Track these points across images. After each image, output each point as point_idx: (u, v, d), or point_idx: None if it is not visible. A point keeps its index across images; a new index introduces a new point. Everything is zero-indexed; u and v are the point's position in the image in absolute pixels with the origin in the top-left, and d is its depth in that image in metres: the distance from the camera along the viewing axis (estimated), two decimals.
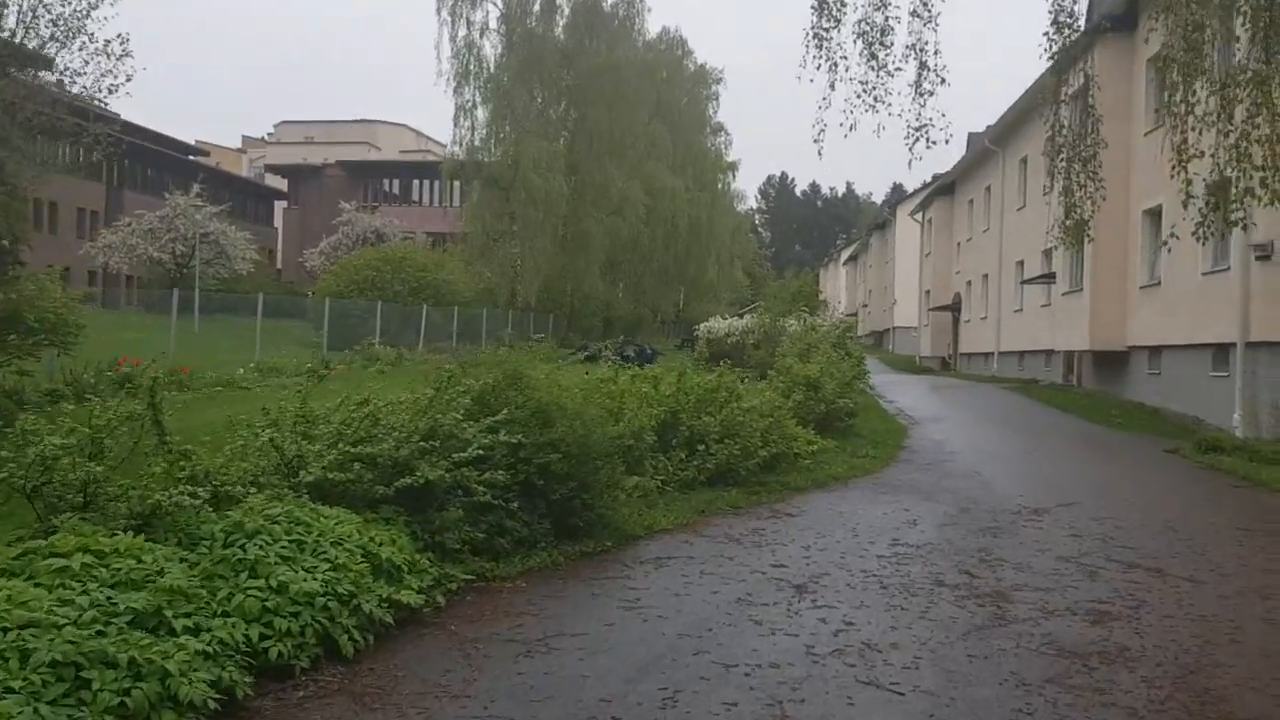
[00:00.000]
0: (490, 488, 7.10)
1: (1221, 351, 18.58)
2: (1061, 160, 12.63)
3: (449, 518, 6.84)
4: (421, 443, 7.03)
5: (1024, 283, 31.06)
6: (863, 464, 13.12)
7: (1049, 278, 28.42)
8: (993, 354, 35.25)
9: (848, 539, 9.00)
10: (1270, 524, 10.41)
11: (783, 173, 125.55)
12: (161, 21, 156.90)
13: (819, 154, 11.26)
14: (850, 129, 10.86)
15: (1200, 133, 10.89)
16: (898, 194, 67.91)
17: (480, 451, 7.09)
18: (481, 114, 39.56)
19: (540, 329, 42.16)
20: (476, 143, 39.79)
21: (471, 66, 39.56)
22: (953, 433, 17.66)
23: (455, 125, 39.37)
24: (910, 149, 11.19)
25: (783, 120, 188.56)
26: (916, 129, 11.15)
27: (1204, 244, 10.81)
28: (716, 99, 60.81)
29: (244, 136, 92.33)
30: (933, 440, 16.29)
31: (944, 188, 43.73)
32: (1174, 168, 10.83)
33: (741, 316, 33.69)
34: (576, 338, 42.44)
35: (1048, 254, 29.77)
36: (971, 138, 41.06)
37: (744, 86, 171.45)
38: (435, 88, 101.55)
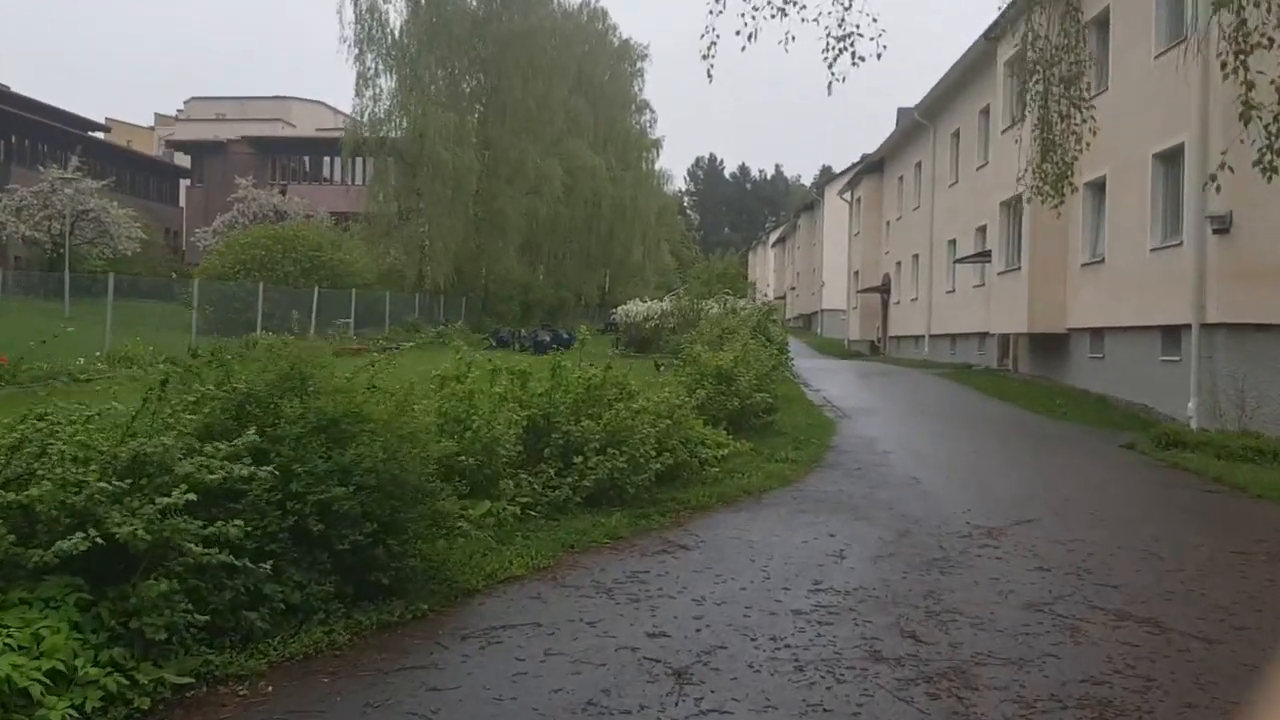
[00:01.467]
0: (221, 546, 4.76)
1: (1173, 334, 16.85)
2: (1037, 83, 10.33)
3: (149, 593, 4.49)
4: (113, 482, 4.66)
5: (957, 262, 29.35)
6: (782, 470, 10.98)
7: (984, 256, 26.69)
8: (924, 337, 33.63)
9: (756, 584, 6.83)
10: (1269, 544, 8.49)
11: (711, 154, 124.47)
12: None
13: (708, 74, 8.84)
14: (749, 39, 8.50)
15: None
16: (827, 176, 66.28)
17: (194, 496, 4.71)
18: (386, 83, 36.82)
19: (452, 313, 39.67)
20: (380, 114, 36.97)
21: (374, 31, 36.72)
22: (885, 428, 15.67)
23: (357, 95, 36.61)
24: (831, 65, 8.83)
25: (710, 102, 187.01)
26: (839, 39, 8.75)
27: (1270, 179, 8.16)
28: (641, 76, 58.54)
29: (156, 114, 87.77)
30: (863, 438, 14.25)
31: (873, 165, 42.14)
32: (1227, 65, 8.35)
33: (663, 299, 31.60)
34: (491, 322, 40.03)
35: (982, 231, 28.08)
36: (901, 113, 39.38)
37: (670, 67, 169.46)
38: (338, 56, 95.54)
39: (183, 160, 61.89)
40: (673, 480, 9.75)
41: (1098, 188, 20.29)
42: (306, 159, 59.14)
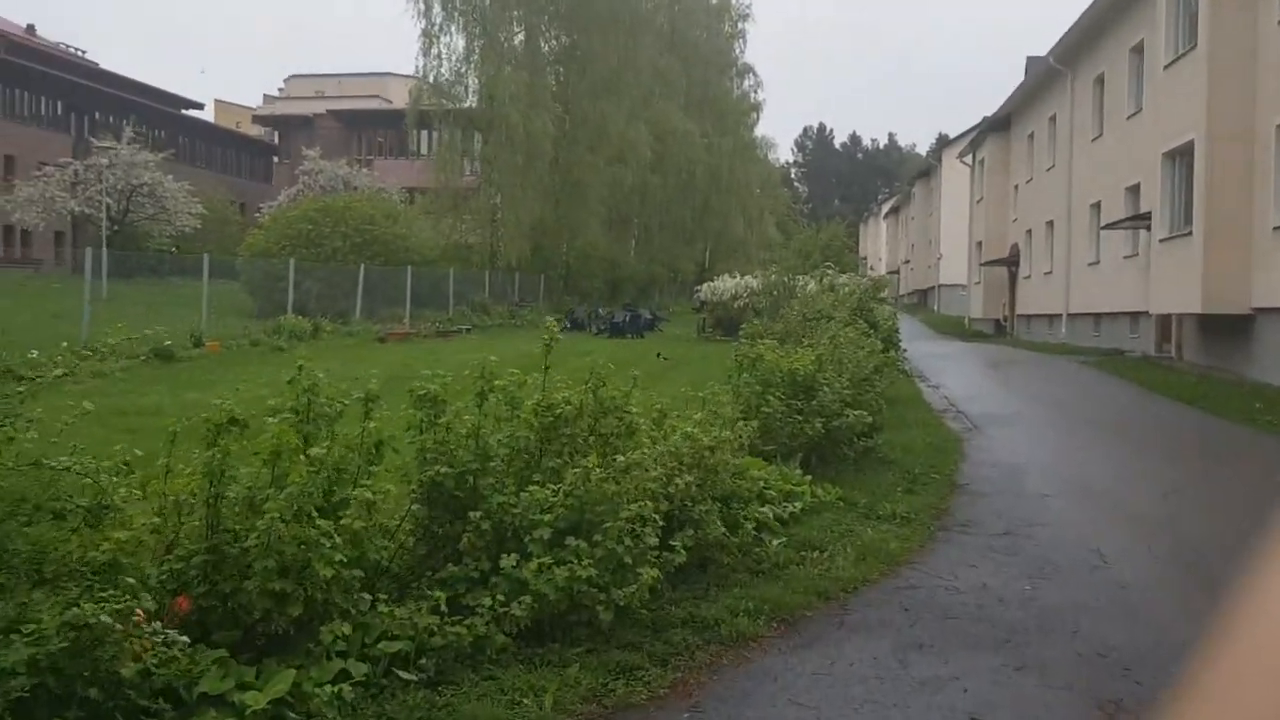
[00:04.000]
0: None
1: None
2: None
3: None
4: None
5: (1105, 228, 24.49)
6: (884, 541, 6.91)
7: (1140, 220, 21.85)
8: (1060, 317, 28.82)
9: None
10: None
11: (820, 124, 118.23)
12: None
13: None
14: None
15: None
16: (944, 142, 60.76)
17: None
18: (454, 41, 33.33)
19: (529, 292, 36.32)
20: (448, 75, 33.60)
21: None
22: (1032, 447, 11.44)
23: (423, 55, 33.25)
24: None
25: (820, 70, 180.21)
26: None
27: None
28: (743, 38, 54.27)
29: (265, 95, 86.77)
30: (1004, 466, 10.05)
31: (998, 123, 37.10)
32: None
33: (755, 275, 27.52)
34: (574, 301, 36.51)
35: (1134, 191, 23.22)
36: (1030, 63, 34.25)
37: (777, 34, 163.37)
38: (406, 15, 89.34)
39: (271, 138, 60.06)
40: (700, 571, 5.88)
41: None
42: (395, 134, 56.46)
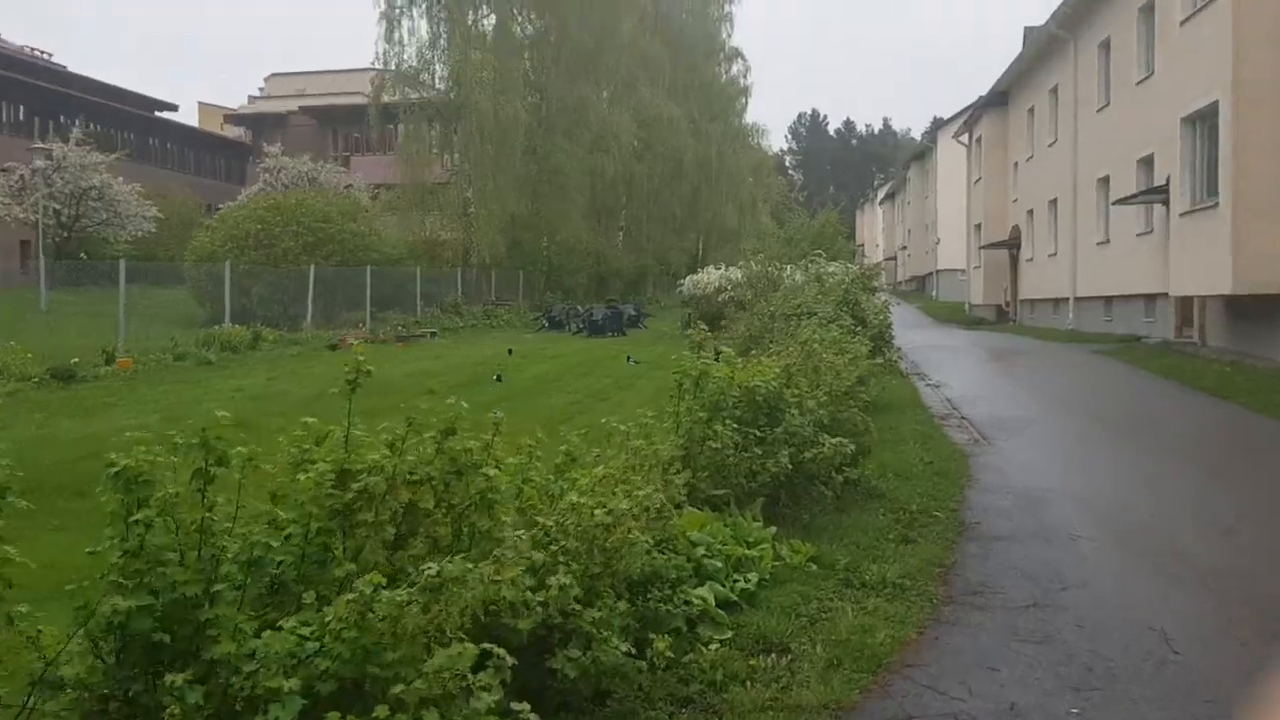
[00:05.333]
0: None
1: None
2: None
3: None
4: None
5: (1115, 204, 22.51)
6: (867, 634, 4.91)
7: (1157, 193, 19.88)
8: (1067, 301, 26.96)
9: None
10: None
11: (814, 110, 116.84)
12: None
13: None
14: None
15: None
16: (940, 124, 58.70)
17: None
18: (416, 26, 31.42)
19: (507, 290, 34.45)
20: (412, 61, 31.60)
21: None
22: (1053, 465, 9.51)
23: (385, 40, 31.22)
24: None
25: (811, 55, 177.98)
26: None
27: None
28: (730, 21, 52.33)
29: (249, 96, 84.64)
30: (1023, 496, 8.08)
31: (995, 98, 35.20)
32: None
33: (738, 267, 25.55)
34: (557, 298, 34.60)
35: (1147, 163, 21.26)
36: (1028, 34, 32.22)
37: (765, 18, 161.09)
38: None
39: (247, 138, 58.12)
40: (596, 705, 3.97)
41: None
42: (373, 130, 54.49)
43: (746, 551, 5.59)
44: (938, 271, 50.70)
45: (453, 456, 4.10)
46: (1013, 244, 33.26)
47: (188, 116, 65.75)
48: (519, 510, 4.60)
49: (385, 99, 32.92)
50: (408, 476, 3.92)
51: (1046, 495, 8.04)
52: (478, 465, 4.16)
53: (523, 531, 4.01)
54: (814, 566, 5.83)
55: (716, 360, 6.96)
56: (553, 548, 4.08)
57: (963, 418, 11.94)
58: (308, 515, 3.59)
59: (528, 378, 16.43)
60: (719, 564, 5.30)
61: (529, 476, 4.86)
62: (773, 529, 6.11)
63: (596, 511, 4.14)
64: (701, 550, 5.31)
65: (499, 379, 15.52)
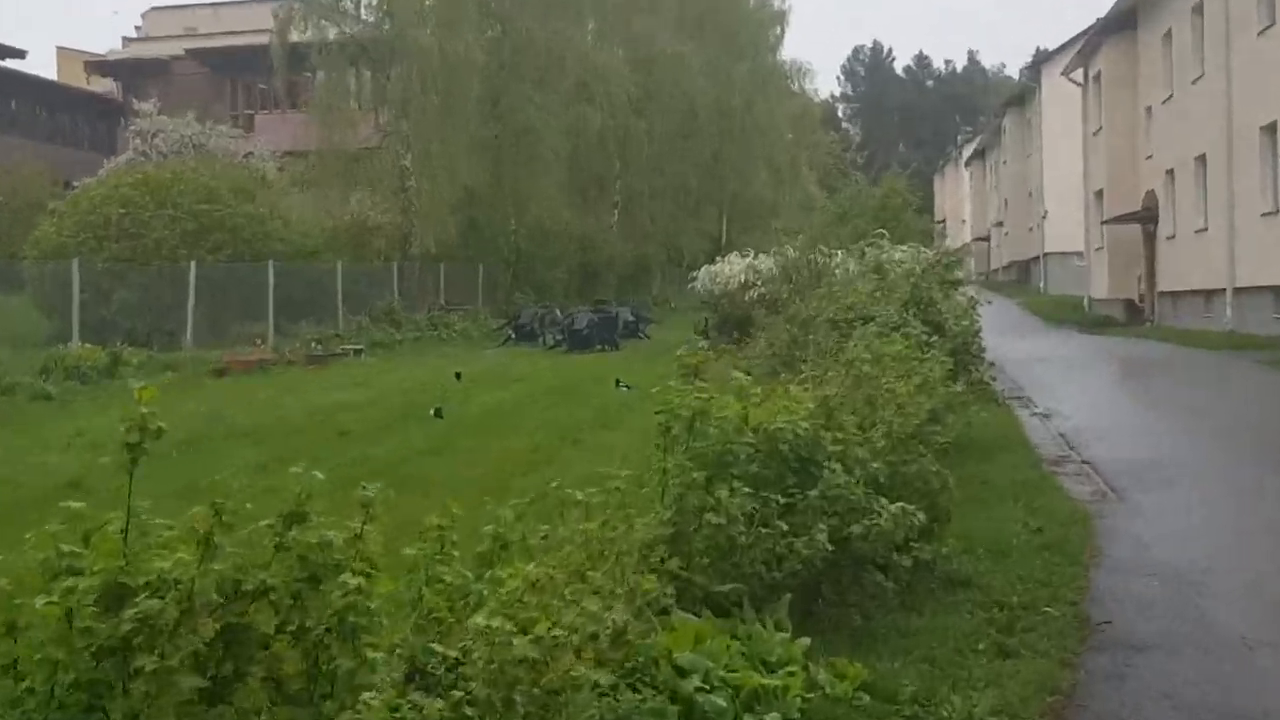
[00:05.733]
0: None
1: None
2: None
3: None
4: None
5: None
6: None
7: None
8: (1223, 293, 27.16)
9: None
10: None
11: (874, 43, 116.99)
12: None
13: None
14: None
15: None
16: (1043, 57, 59.12)
17: None
18: None
19: (462, 289, 34.21)
20: None
21: None
22: (1217, 533, 9.10)
23: None
24: None
25: None
26: None
27: None
28: None
29: (123, 38, 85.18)
30: (1170, 578, 7.55)
31: (1118, 22, 35.55)
32: None
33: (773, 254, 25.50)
34: (528, 299, 34.43)
35: None
36: None
37: None
38: None
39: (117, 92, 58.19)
40: None
41: None
42: (279, 78, 54.60)
43: (765, 680, 5.11)
44: (1045, 255, 51.47)
45: (302, 555, 3.73)
46: (1147, 217, 33.66)
47: (41, 66, 66.02)
48: (418, 628, 4.20)
49: (295, 36, 32.93)
50: (237, 586, 3.54)
51: (1206, 579, 7.57)
52: (339, 568, 3.77)
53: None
54: (866, 698, 5.35)
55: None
56: (452, 696, 3.59)
57: (1083, 462, 11.69)
58: (51, 664, 3.12)
59: (477, 411, 16.26)
60: (722, 703, 4.81)
61: (436, 575, 4.46)
62: (805, 641, 5.60)
63: (516, 640, 3.63)
64: (695, 681, 4.83)
65: (438, 414, 15.34)
